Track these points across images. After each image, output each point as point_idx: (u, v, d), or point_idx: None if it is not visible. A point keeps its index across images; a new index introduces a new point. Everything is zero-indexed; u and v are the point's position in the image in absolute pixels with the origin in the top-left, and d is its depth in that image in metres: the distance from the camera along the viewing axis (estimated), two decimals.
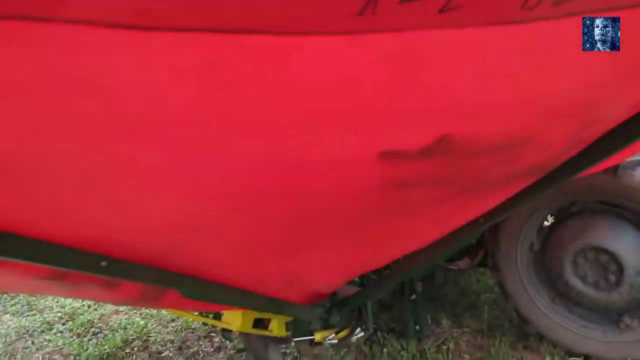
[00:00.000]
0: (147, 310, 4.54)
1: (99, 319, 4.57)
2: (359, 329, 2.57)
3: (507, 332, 3.11)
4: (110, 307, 4.85)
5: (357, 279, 2.92)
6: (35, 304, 5.22)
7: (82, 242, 0.93)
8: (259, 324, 2.43)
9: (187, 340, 3.85)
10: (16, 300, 5.37)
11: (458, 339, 3.18)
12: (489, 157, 0.87)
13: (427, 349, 3.02)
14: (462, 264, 3.19)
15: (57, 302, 5.18)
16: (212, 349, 3.63)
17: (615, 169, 2.45)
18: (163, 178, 0.82)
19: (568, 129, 0.94)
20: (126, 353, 3.75)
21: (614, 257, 2.57)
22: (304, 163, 0.79)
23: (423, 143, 0.77)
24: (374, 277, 3.02)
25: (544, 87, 0.78)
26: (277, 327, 2.43)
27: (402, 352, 3.00)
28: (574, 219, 2.75)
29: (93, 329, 4.34)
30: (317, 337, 2.50)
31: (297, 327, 2.52)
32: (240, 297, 1.56)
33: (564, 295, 2.85)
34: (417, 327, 3.16)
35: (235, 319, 2.32)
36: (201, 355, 3.54)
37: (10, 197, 0.76)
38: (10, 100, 0.59)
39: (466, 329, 3.33)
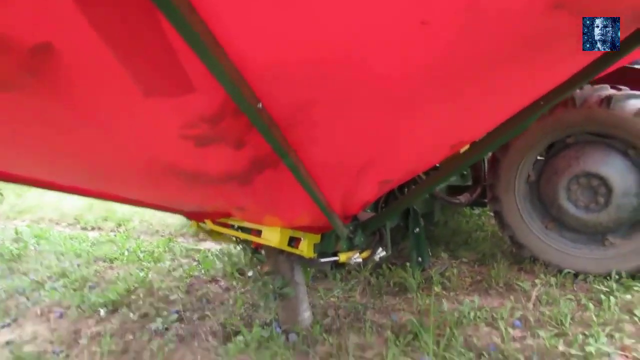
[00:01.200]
0: (145, 263, 4.58)
1: (93, 274, 4.53)
2: (380, 249, 2.77)
3: (501, 259, 3.41)
4: (103, 264, 4.83)
5: (369, 209, 3.13)
6: (17, 267, 5.08)
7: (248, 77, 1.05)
8: (291, 243, 2.59)
9: (192, 284, 3.92)
10: None
11: (458, 267, 3.46)
12: None
13: (432, 276, 3.27)
14: (463, 198, 3.46)
15: (41, 264, 5.06)
16: (221, 290, 3.73)
17: (609, 101, 2.76)
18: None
19: None
20: (132, 299, 3.76)
21: (604, 181, 2.90)
22: None
23: None
24: (383, 206, 3.25)
25: None
26: (306, 247, 2.59)
27: (409, 280, 3.24)
28: (568, 150, 3.05)
29: (89, 284, 4.26)
30: (342, 257, 2.67)
31: (324, 249, 2.70)
32: (314, 191, 1.72)
33: (556, 220, 3.18)
34: (420, 259, 3.43)
35: (274, 236, 2.47)
36: (211, 296, 3.63)
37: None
38: None
39: (464, 260, 3.62)
